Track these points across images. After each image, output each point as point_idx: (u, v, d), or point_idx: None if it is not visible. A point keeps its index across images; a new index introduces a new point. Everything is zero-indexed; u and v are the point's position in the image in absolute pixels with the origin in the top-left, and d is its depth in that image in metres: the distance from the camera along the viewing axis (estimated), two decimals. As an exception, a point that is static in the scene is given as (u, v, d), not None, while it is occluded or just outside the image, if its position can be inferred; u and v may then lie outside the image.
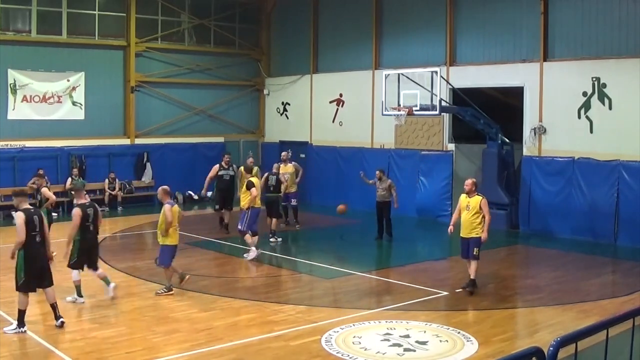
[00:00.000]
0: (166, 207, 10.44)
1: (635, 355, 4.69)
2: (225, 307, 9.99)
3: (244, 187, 13.79)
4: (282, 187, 16.25)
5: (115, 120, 21.41)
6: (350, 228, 17.71)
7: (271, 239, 15.11)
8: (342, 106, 21.56)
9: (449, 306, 10.20)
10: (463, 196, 11.00)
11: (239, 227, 13.57)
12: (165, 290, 10.53)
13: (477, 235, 10.70)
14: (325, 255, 14.03)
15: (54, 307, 8.72)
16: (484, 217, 10.70)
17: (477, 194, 10.82)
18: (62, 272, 10.26)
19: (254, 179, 13.79)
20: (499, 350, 7.99)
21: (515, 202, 17.16)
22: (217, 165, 16.72)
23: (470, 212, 10.75)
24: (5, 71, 19.11)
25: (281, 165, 16.79)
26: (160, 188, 10.96)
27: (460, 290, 11.01)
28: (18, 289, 8.55)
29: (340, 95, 21.55)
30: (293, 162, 17.42)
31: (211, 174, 16.53)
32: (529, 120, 16.90)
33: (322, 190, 21.50)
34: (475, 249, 10.72)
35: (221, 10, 23.32)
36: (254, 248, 13.38)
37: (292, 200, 17.08)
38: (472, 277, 10.76)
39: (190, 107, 22.75)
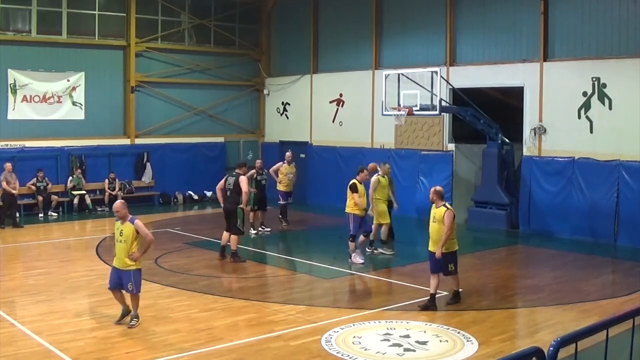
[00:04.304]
0: (139, 222, 8.80)
1: (635, 355, 4.69)
2: (225, 307, 9.99)
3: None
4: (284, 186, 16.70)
5: (115, 120, 21.40)
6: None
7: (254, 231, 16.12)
8: (342, 106, 21.55)
9: (449, 306, 10.19)
10: (433, 206, 10.12)
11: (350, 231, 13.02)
12: (137, 320, 9.00)
13: (447, 250, 9.83)
14: (325, 255, 14.02)
15: None
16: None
17: (444, 205, 9.92)
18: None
19: (356, 182, 12.90)
20: (499, 350, 7.99)
21: (515, 202, 17.16)
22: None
23: (436, 224, 9.87)
24: (5, 71, 19.10)
25: (285, 165, 16.90)
26: (120, 202, 9.02)
27: (460, 290, 11.00)
28: None
29: (340, 95, 21.54)
30: (293, 163, 17.48)
31: (246, 187, 13.40)
32: (529, 120, 16.90)
33: (322, 190, 21.49)
34: (450, 265, 9.92)
35: (221, 10, 23.32)
36: (355, 252, 13.03)
37: (289, 198, 17.18)
38: (432, 291, 9.97)
39: (190, 107, 22.74)
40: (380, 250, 13.94)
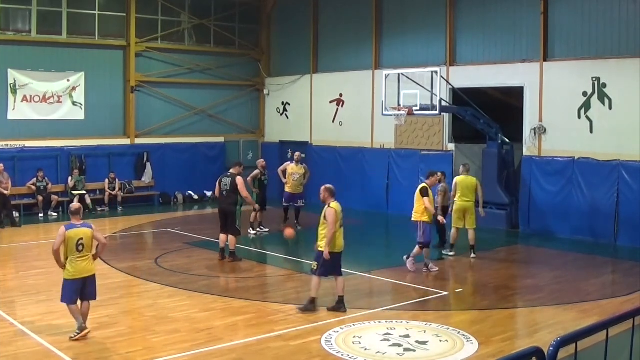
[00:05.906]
0: (60, 230, 8.25)
1: (635, 355, 4.69)
2: (225, 307, 9.98)
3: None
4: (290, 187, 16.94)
5: (115, 120, 21.40)
6: (350, 228, 17.66)
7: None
8: (342, 106, 21.55)
9: (449, 306, 10.19)
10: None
11: (420, 239, 12.16)
12: (78, 332, 8.21)
13: (320, 249, 9.42)
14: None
15: None
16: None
17: (331, 203, 9.46)
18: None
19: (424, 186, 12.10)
20: (499, 350, 7.98)
21: (515, 202, 17.16)
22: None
23: (320, 223, 9.44)
24: (5, 71, 19.09)
25: (292, 165, 16.90)
26: (71, 205, 8.83)
27: (460, 290, 11.01)
28: None
29: (340, 95, 21.54)
30: (304, 164, 17.43)
31: (245, 192, 13.22)
32: (529, 120, 16.89)
33: (322, 190, 21.44)
34: (314, 262, 9.57)
35: (221, 10, 23.32)
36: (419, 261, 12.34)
37: (299, 201, 17.11)
38: (312, 294, 9.61)
39: (190, 107, 22.74)
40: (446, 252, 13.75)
